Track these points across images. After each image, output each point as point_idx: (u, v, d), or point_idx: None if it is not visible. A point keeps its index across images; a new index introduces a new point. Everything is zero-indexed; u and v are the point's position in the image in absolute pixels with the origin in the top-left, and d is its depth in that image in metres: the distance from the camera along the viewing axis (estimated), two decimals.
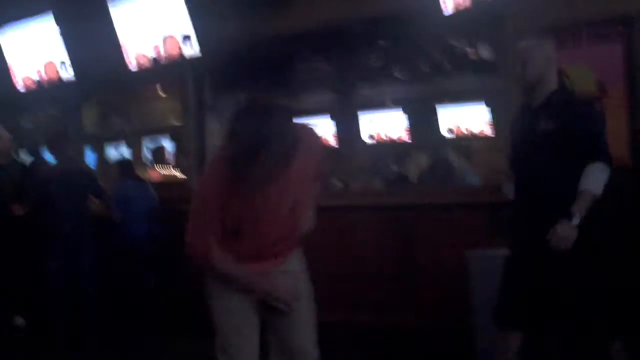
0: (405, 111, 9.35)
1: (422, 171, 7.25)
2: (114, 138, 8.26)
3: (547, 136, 3.19)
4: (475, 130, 8.65)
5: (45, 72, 7.36)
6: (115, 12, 6.55)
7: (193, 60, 6.25)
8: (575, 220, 3.00)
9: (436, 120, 8.97)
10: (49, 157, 6.58)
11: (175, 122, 7.22)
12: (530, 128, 3.29)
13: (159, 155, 7.77)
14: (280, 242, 2.49)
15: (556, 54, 3.38)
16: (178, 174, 7.50)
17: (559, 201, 3.07)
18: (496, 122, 8.03)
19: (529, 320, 3.24)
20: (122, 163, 6.47)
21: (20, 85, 7.61)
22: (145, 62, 6.55)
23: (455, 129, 8.84)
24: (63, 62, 7.19)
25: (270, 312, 2.50)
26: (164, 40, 6.38)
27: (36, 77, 7.43)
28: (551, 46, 3.39)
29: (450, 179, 6.70)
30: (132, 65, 6.59)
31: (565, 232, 3.00)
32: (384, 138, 9.72)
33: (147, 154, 8.05)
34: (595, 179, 3.05)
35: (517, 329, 3.29)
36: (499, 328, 3.33)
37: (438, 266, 4.71)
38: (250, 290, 2.46)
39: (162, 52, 6.41)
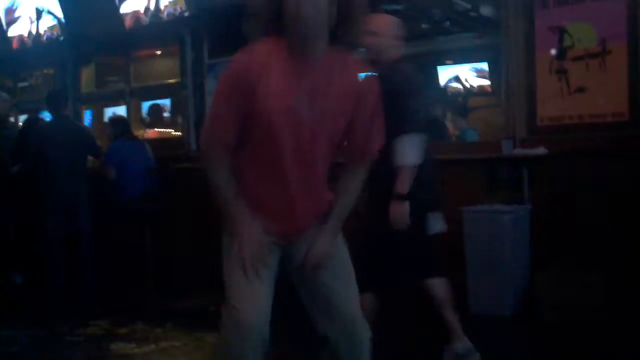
0: None
1: None
2: (112, 97, 8.20)
3: None
4: (474, 87, 8.60)
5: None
6: None
7: (191, 19, 6.20)
8: (403, 199, 3.10)
9: (435, 78, 8.90)
10: (46, 115, 6.58)
11: (174, 81, 7.16)
12: None
13: (156, 113, 7.73)
14: (314, 192, 2.23)
15: (400, 32, 3.41)
16: (175, 133, 7.47)
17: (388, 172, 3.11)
18: (495, 79, 7.98)
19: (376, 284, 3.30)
20: (118, 122, 6.42)
21: (15, 44, 7.61)
22: (140, 21, 6.53)
23: (453, 87, 8.79)
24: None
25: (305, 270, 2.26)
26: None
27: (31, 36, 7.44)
28: (396, 25, 3.42)
29: (440, 135, 6.69)
30: (129, 24, 6.58)
31: (398, 211, 3.09)
32: None
33: (144, 113, 8.01)
34: (409, 152, 3.09)
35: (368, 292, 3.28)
36: None
37: None
38: (231, 230, 2.18)
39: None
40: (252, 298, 2.15)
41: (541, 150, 4.48)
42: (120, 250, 5.77)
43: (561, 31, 4.68)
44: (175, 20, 6.48)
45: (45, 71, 8.85)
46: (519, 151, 4.61)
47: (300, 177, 2.17)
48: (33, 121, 6.49)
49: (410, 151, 3.11)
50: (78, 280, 5.57)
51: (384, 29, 3.34)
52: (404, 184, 3.11)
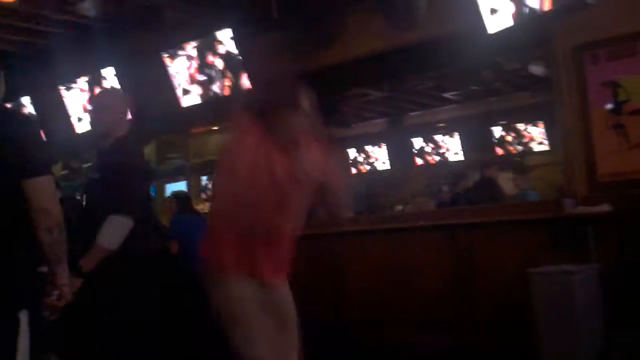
0: (458, 132, 9.30)
1: (466, 190, 7.17)
2: (172, 174, 8.45)
3: (95, 184, 3.21)
4: (531, 146, 8.53)
5: None
6: (170, 61, 6.88)
7: (245, 95, 6.40)
8: (80, 276, 2.86)
9: (490, 138, 8.88)
10: None
11: None
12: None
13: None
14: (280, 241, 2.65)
15: (126, 107, 3.37)
16: None
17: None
18: (551, 137, 7.91)
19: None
20: (180, 197, 6.58)
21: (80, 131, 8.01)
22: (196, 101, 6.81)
23: (509, 146, 8.73)
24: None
25: None
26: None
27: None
28: (124, 99, 3.42)
29: (496, 197, 6.62)
30: (185, 104, 6.87)
31: (70, 282, 2.64)
32: (438, 160, 9.65)
33: (204, 187, 8.21)
34: (108, 232, 2.97)
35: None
36: None
37: (499, 285, 4.63)
38: None
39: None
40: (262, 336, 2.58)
41: (605, 208, 4.38)
42: (184, 324, 5.80)
43: (615, 86, 4.63)
44: (230, 96, 6.70)
45: None
46: (582, 209, 4.52)
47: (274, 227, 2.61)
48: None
49: (110, 232, 2.99)
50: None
51: (114, 104, 3.32)
52: (89, 261, 2.93)
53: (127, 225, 3.03)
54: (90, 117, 3.37)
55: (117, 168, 3.09)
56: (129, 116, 3.38)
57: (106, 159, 3.21)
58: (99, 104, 3.38)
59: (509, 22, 4.85)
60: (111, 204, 3.01)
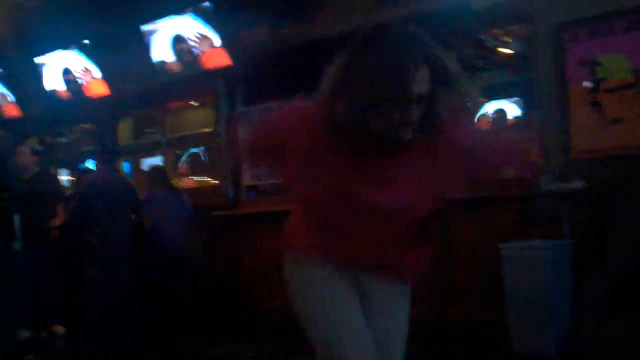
0: None
1: None
2: (149, 149, 8.36)
3: None
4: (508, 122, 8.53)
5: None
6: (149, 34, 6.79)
7: (225, 70, 6.37)
8: None
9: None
10: (89, 168, 6.80)
11: (207, 130, 7.30)
12: None
13: (193, 162, 7.84)
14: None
15: None
16: (211, 180, 7.56)
17: None
18: (528, 114, 7.92)
19: None
20: (156, 171, 6.53)
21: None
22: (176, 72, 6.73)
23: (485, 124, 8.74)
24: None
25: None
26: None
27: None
28: None
29: None
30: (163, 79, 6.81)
31: None
32: None
33: (181, 162, 8.14)
34: None
35: None
36: None
37: (472, 260, 4.66)
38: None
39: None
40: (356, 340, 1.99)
41: (578, 184, 4.41)
42: (157, 298, 5.79)
43: (593, 64, 4.65)
44: (210, 72, 6.63)
45: (84, 126, 9.09)
46: (556, 185, 4.55)
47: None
48: (85, 172, 6.71)
49: None
50: (117, 328, 5.58)
51: None
52: None
53: None
54: None
55: None
56: None
57: None
58: None
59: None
60: None
